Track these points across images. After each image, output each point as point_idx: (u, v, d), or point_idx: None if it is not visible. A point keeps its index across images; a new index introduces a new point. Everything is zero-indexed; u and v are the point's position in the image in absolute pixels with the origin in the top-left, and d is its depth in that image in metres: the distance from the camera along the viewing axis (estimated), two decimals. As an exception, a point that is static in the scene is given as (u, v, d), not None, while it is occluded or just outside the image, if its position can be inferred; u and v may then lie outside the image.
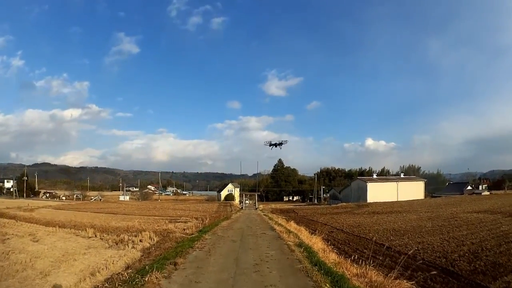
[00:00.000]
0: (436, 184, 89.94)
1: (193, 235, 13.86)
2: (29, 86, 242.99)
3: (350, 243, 18.32)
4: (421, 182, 74.46)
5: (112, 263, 10.07)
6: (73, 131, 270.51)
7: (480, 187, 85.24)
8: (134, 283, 6.96)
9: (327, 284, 6.80)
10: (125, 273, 7.99)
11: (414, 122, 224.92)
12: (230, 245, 11.65)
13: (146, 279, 7.05)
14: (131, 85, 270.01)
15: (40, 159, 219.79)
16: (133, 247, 12.90)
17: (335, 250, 13.68)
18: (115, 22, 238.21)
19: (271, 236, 14.07)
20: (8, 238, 15.93)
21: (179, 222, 41.57)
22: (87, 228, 16.70)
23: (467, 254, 13.24)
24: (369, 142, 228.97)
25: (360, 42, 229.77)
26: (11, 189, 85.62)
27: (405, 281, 7.48)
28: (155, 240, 13.95)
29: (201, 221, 22.64)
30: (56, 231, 17.71)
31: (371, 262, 8.91)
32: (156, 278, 7.21)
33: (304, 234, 17.72)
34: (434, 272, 10.19)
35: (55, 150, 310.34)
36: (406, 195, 64.90)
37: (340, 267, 8.73)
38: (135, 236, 15.25)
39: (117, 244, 14.28)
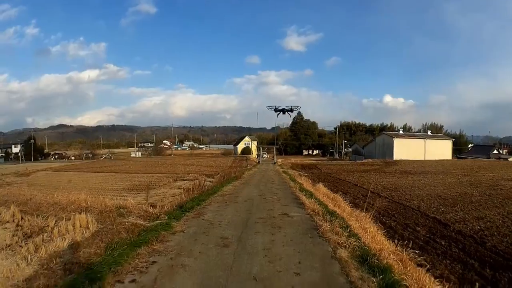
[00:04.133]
0: (458, 145, 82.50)
1: (156, 222, 7.55)
2: (44, 52, 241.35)
3: (395, 215, 14.33)
4: (449, 141, 69.99)
5: None
6: (90, 91, 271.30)
7: (501, 151, 79.34)
8: None
9: None
10: None
11: (432, 82, 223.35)
12: (212, 262, 5.18)
13: None
14: (149, 44, 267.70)
15: (56, 122, 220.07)
16: (36, 250, 6.81)
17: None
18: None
19: (300, 225, 7.55)
20: None
21: (185, 180, 36.48)
22: (12, 206, 10.82)
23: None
24: (388, 98, 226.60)
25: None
26: (19, 154, 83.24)
27: None
28: (88, 232, 7.77)
29: (198, 185, 16.59)
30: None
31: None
32: None
33: (347, 211, 11.50)
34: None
35: (72, 111, 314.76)
36: (433, 154, 60.46)
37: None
38: (69, 219, 9.16)
39: (29, 237, 8.27)
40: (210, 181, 32.19)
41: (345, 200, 15.57)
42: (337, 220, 7.82)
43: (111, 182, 35.03)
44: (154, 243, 5.99)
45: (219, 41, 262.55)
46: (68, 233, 8.00)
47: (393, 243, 7.65)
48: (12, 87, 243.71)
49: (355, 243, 6.06)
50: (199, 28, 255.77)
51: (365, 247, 5.92)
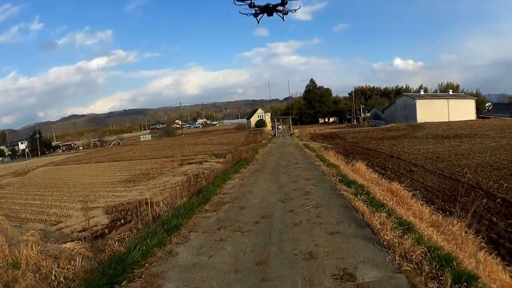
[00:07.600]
0: (477, 104, 75.46)
1: None
2: (51, 45, 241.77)
3: (456, 197, 10.30)
4: (472, 100, 65.79)
5: None
6: (100, 79, 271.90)
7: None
8: None
9: None
10: None
11: (440, 41, 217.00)
12: None
13: None
14: (155, 26, 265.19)
15: (69, 112, 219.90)
16: None
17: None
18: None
19: None
20: None
21: (193, 163, 32.03)
22: None
23: None
24: (398, 61, 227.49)
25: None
26: (26, 150, 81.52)
27: None
28: None
29: (185, 185, 11.75)
30: None
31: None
32: None
33: (426, 218, 6.88)
34: None
35: (84, 101, 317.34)
36: (458, 115, 56.68)
37: None
38: None
39: None
40: (218, 163, 27.71)
41: (406, 189, 10.47)
42: None
43: (109, 174, 31.17)
44: None
45: (226, 16, 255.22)
46: None
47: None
48: (21, 83, 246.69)
49: None
50: (204, 5, 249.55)
51: None
